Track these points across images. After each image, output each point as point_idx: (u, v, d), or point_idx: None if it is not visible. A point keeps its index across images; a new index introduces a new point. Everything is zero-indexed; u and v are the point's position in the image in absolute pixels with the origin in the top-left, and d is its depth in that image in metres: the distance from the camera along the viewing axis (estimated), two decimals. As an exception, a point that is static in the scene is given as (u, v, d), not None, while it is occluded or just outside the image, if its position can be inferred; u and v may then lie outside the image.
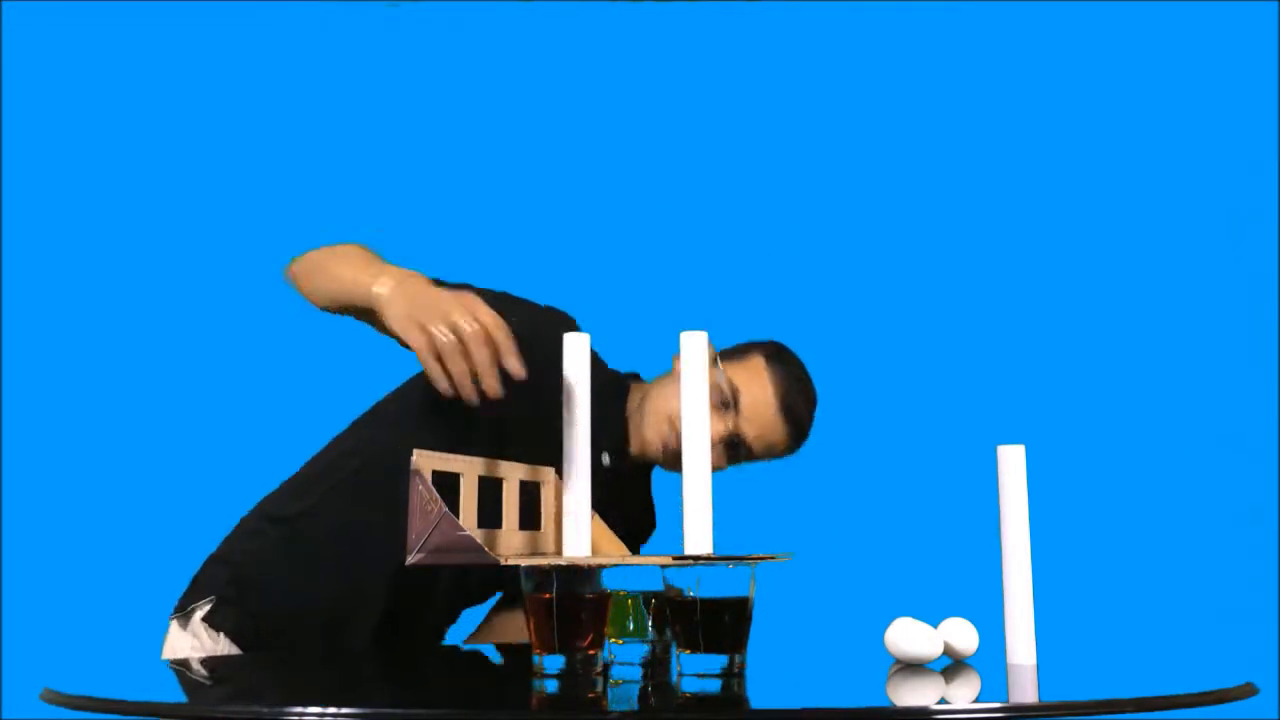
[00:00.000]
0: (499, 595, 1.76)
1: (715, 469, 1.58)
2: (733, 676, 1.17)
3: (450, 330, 1.31)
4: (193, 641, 1.60)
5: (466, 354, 1.30)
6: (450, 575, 1.62)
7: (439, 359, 1.31)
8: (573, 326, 1.62)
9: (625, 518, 1.62)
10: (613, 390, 1.71)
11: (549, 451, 1.23)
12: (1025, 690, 1.14)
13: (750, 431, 1.67)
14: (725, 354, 1.72)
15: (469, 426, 1.45)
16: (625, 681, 1.19)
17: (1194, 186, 2.63)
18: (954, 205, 2.67)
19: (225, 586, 1.65)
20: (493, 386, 1.29)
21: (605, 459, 1.67)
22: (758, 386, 1.68)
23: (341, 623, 1.61)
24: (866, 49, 2.69)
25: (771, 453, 1.71)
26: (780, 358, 1.72)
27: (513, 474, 1.31)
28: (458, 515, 1.16)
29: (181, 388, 2.64)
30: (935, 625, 1.29)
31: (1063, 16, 2.66)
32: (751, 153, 2.69)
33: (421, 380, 1.44)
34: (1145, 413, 2.58)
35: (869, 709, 1.03)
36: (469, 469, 1.24)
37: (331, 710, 0.97)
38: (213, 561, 1.69)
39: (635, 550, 1.65)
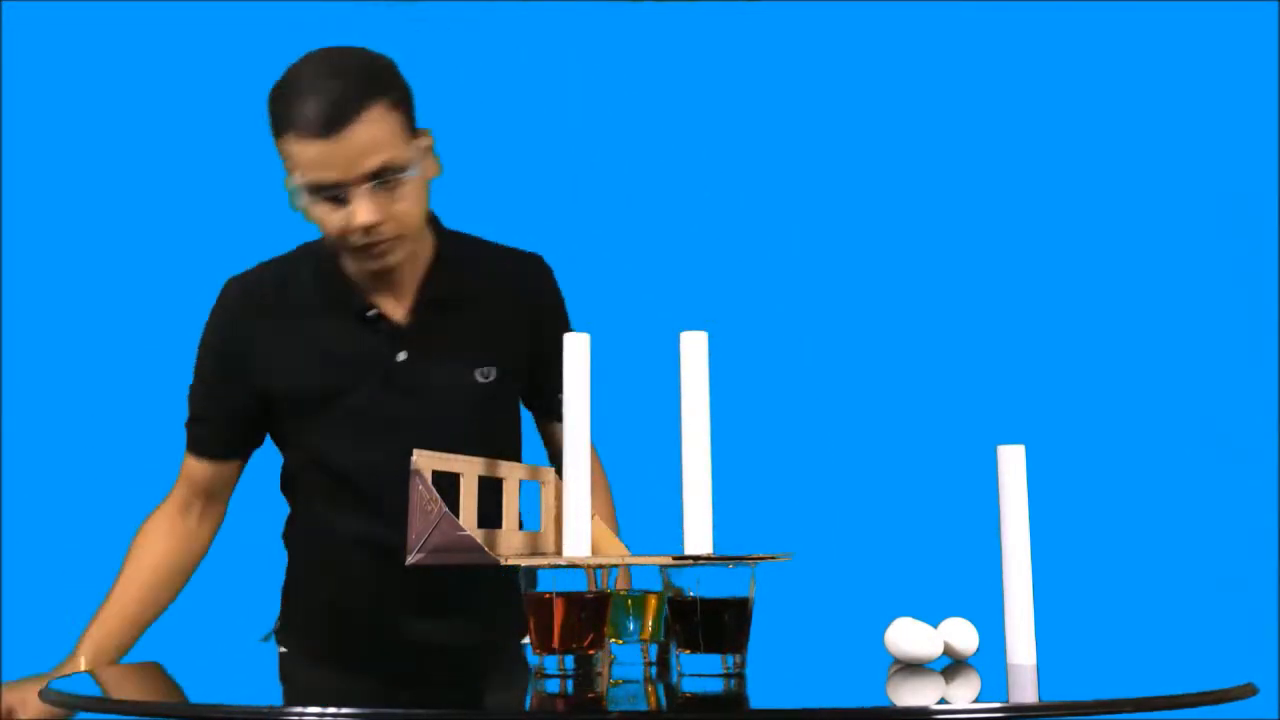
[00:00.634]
0: None
1: (410, 215, 1.50)
2: (733, 676, 1.17)
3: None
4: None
5: None
6: None
7: None
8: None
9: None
10: (325, 262, 1.61)
11: None
12: (1025, 690, 1.14)
13: (357, 171, 1.46)
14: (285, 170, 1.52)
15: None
16: (626, 682, 1.19)
17: (1193, 186, 2.64)
18: (953, 205, 2.67)
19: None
20: None
21: (371, 312, 1.59)
22: (300, 153, 1.46)
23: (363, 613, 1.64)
24: (867, 49, 2.69)
25: (386, 143, 1.48)
26: (277, 116, 1.48)
27: (513, 474, 1.31)
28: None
29: (180, 388, 2.64)
30: (935, 625, 1.29)
31: (1062, 16, 2.66)
32: (752, 152, 2.69)
33: None
34: (1145, 413, 2.59)
35: (869, 709, 1.03)
36: (469, 469, 1.24)
37: (331, 710, 0.97)
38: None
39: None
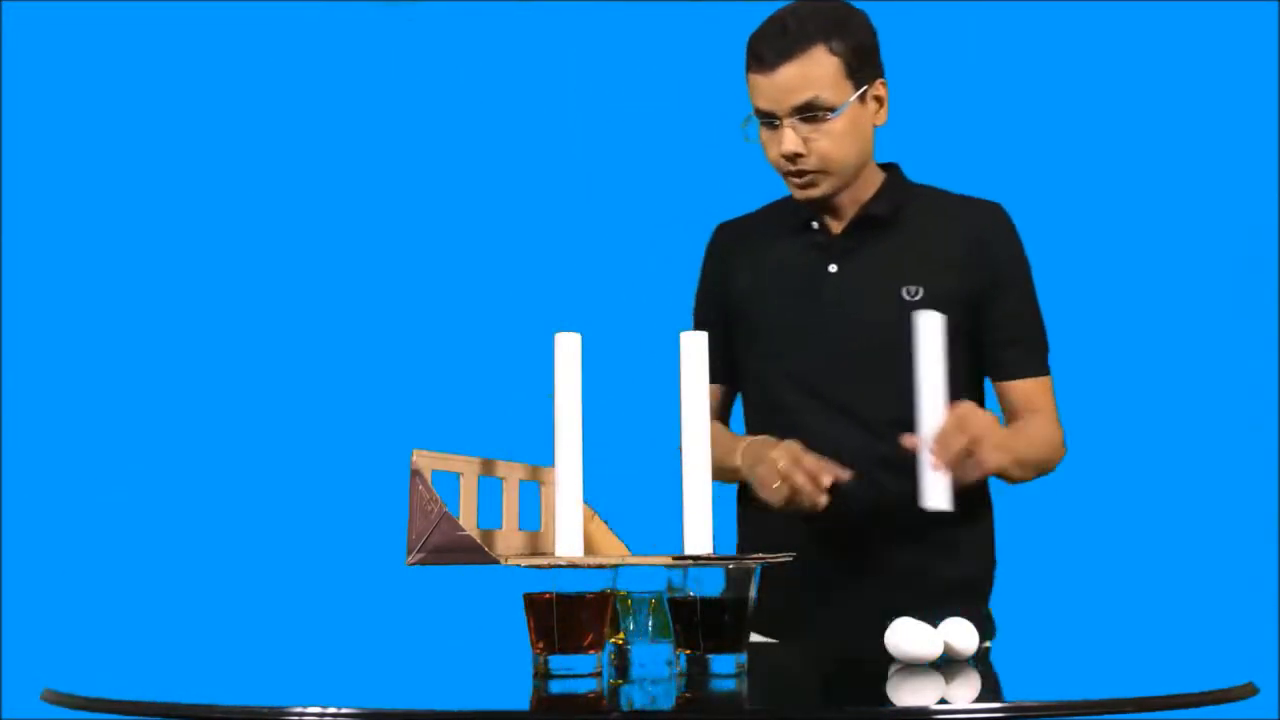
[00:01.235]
0: None
1: (832, 155, 1.61)
2: (733, 676, 1.17)
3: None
4: None
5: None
6: None
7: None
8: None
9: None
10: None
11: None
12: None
13: (788, 102, 1.60)
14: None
15: None
16: (626, 681, 1.19)
17: (1193, 186, 2.63)
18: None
19: None
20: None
21: (814, 224, 1.71)
22: (751, 83, 1.63)
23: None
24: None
25: (819, 81, 1.60)
26: (748, 50, 1.64)
27: (512, 474, 1.31)
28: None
29: (181, 388, 2.64)
30: (935, 625, 1.29)
31: (1061, 16, 2.66)
32: (752, 152, 2.69)
33: None
34: (1146, 412, 2.58)
35: (869, 709, 1.03)
36: (469, 469, 1.24)
37: (331, 710, 0.97)
38: None
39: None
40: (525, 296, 2.61)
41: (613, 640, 1.31)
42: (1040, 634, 1.74)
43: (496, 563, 1.14)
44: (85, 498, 2.58)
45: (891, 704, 1.09)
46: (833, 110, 1.60)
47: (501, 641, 1.42)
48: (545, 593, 1.17)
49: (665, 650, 1.28)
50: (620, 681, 1.19)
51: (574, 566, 1.16)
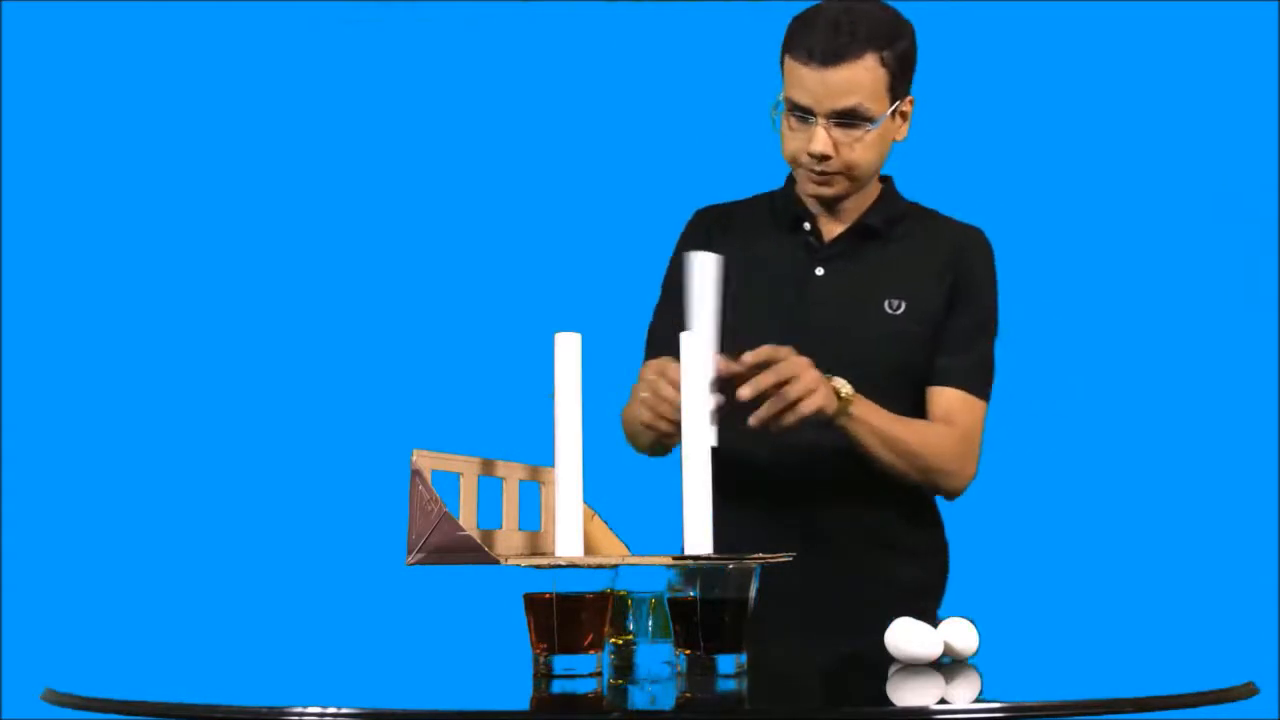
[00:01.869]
0: None
1: (857, 163, 1.62)
2: (733, 676, 1.17)
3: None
4: None
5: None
6: None
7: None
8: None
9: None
10: (784, 187, 1.74)
11: None
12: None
13: (829, 105, 1.59)
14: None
15: None
16: (626, 681, 1.19)
17: (1193, 185, 2.63)
18: (952, 205, 2.67)
19: None
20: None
21: (806, 225, 1.71)
22: (793, 73, 1.61)
23: None
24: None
25: (864, 89, 1.60)
26: (793, 35, 1.62)
27: (512, 474, 1.31)
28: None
29: (181, 388, 2.64)
30: (935, 625, 1.29)
31: (1061, 16, 2.66)
32: (752, 152, 2.69)
33: None
34: (1146, 411, 2.58)
35: (869, 709, 1.03)
36: (469, 469, 1.24)
37: (331, 710, 0.97)
38: None
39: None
40: (525, 296, 2.61)
41: (613, 640, 1.31)
42: (1040, 634, 1.74)
43: (496, 563, 1.14)
44: (85, 498, 2.58)
45: (891, 704, 1.09)
46: (872, 121, 1.61)
47: (501, 641, 1.43)
48: (545, 593, 1.17)
49: (665, 650, 1.28)
50: (620, 681, 1.19)
51: (574, 566, 1.16)
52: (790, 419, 1.46)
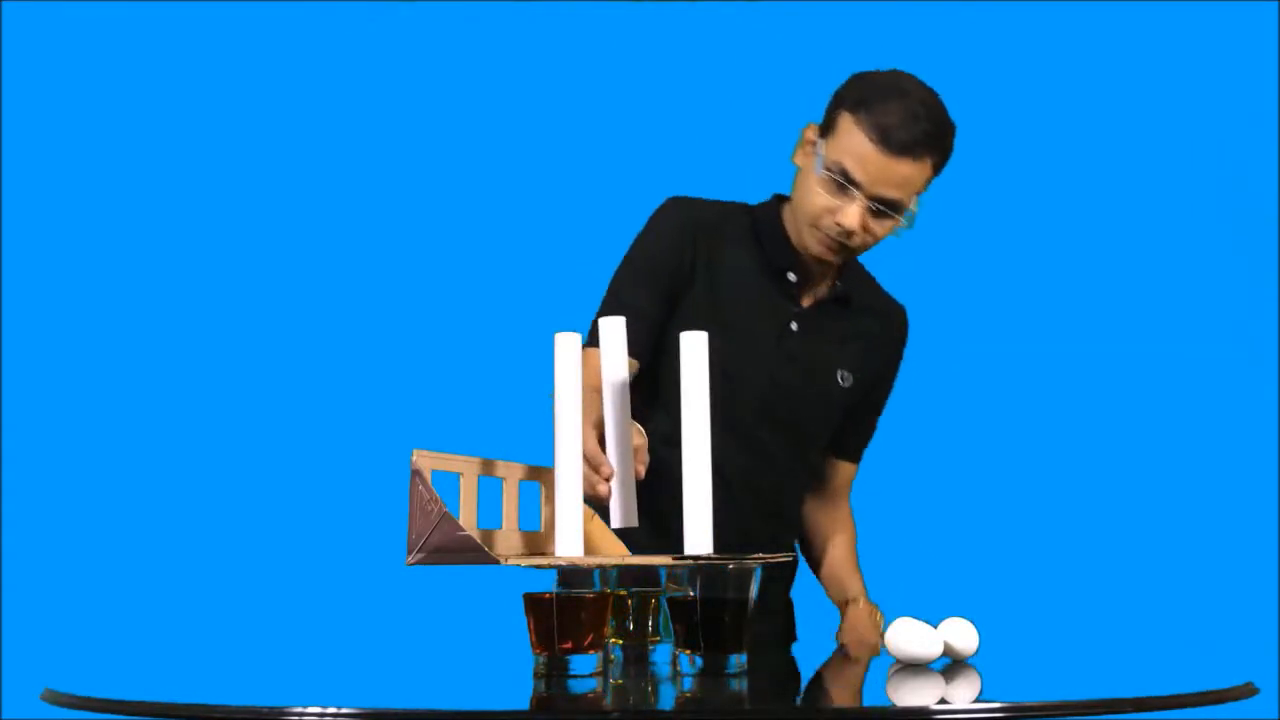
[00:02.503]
0: None
1: (870, 243, 1.64)
2: (733, 676, 1.17)
3: None
4: None
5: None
6: None
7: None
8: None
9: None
10: (768, 214, 1.74)
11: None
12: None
13: (879, 190, 1.60)
14: (820, 129, 1.65)
15: None
16: (626, 681, 1.19)
17: (1192, 186, 2.63)
18: (951, 205, 2.66)
19: None
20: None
21: (791, 276, 1.71)
22: (856, 142, 1.60)
23: None
24: (865, 48, 2.69)
25: (913, 187, 1.61)
26: (866, 103, 1.60)
27: (512, 474, 1.31)
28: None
29: (181, 388, 2.64)
30: (935, 625, 1.29)
31: (1061, 16, 2.66)
32: (749, 152, 2.69)
33: None
34: (1146, 412, 2.58)
35: (869, 709, 1.03)
36: (469, 469, 1.24)
37: (332, 710, 0.97)
38: None
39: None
40: (525, 296, 2.60)
41: (613, 640, 1.31)
42: (1040, 634, 1.74)
43: (496, 563, 1.14)
44: (85, 498, 2.57)
45: (892, 704, 1.09)
46: (901, 214, 1.63)
47: (501, 641, 1.43)
48: (545, 593, 1.17)
49: (665, 650, 1.28)
50: (620, 681, 1.19)
51: (574, 566, 1.16)
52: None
